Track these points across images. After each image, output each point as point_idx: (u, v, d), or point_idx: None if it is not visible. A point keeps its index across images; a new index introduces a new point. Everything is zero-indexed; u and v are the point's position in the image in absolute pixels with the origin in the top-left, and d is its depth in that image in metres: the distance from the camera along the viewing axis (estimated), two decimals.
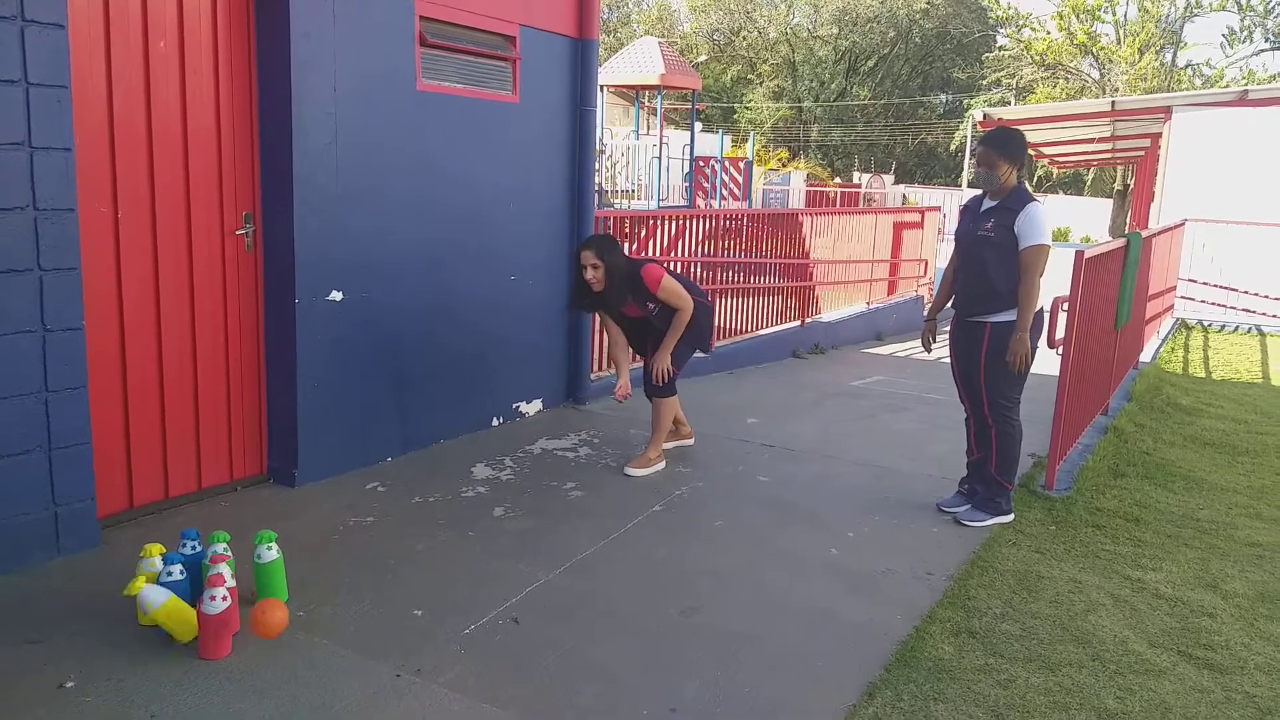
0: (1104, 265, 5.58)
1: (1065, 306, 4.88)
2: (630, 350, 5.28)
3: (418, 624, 3.26)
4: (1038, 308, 4.27)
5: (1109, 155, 24.92)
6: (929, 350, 4.83)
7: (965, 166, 20.51)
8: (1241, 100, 14.18)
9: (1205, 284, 13.46)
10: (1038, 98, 34.82)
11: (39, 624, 3.13)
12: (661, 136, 18.53)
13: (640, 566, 3.83)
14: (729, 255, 8.60)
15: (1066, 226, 30.28)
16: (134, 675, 2.85)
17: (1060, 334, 4.87)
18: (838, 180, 37.35)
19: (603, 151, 17.59)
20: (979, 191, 4.49)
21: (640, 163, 18.76)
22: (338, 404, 4.65)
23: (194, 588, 3.14)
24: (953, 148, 40.22)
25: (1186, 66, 35.82)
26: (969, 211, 4.48)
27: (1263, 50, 38.94)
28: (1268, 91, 14.22)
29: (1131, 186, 27.36)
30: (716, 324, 8.05)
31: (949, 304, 4.69)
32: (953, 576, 3.85)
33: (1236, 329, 12.71)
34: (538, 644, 3.16)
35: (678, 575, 3.76)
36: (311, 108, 4.31)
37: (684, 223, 7.90)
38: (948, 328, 4.76)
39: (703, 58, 42.32)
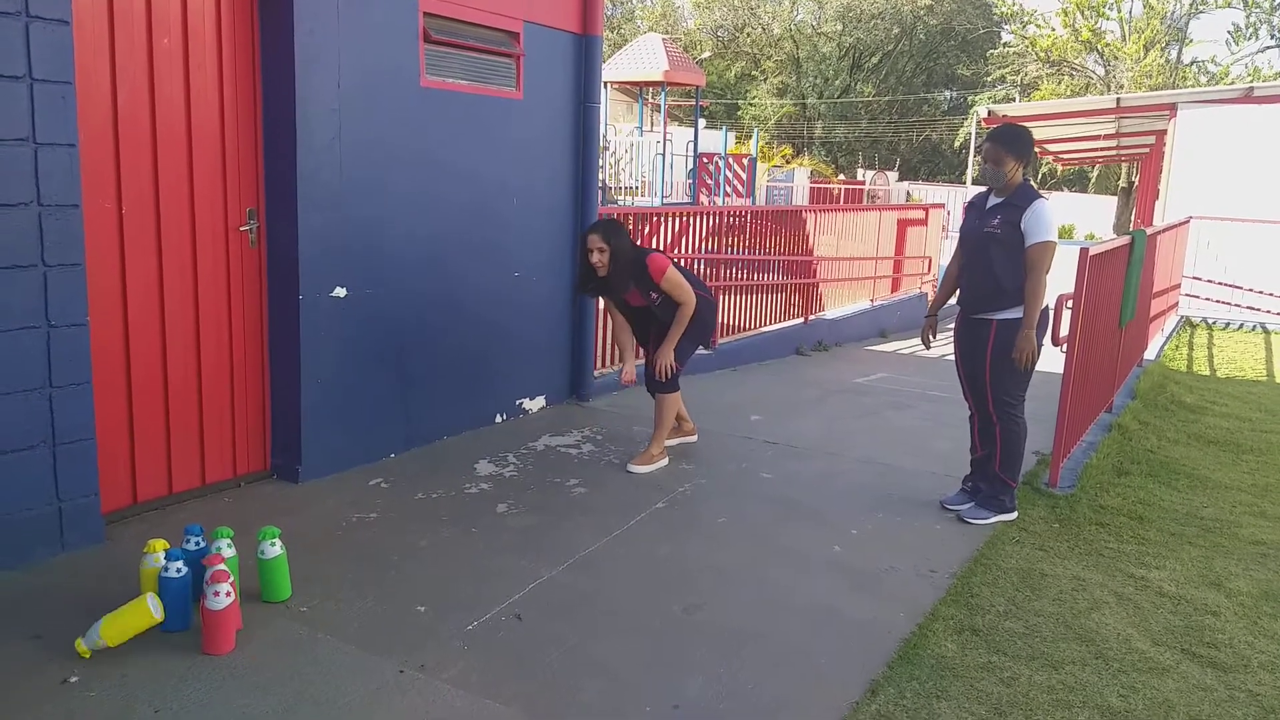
0: (1108, 263, 5.57)
1: (1070, 304, 4.87)
2: (635, 342, 5.26)
3: (421, 620, 3.26)
4: (1043, 305, 4.27)
5: (1114, 152, 24.85)
6: (929, 347, 4.83)
7: (969, 163, 20.49)
8: (1247, 97, 14.14)
9: (1210, 281, 13.42)
10: (1042, 94, 34.75)
11: (43, 619, 3.14)
12: (665, 133, 18.53)
13: (643, 563, 3.83)
14: (732, 252, 8.59)
15: (1071, 224, 30.22)
16: (137, 671, 2.85)
17: (1065, 331, 4.86)
18: (842, 177, 37.32)
19: (606, 148, 17.59)
20: (984, 188, 4.48)
21: (644, 159, 18.75)
22: (341, 400, 4.65)
23: (197, 584, 3.14)
24: (957, 144, 40.16)
25: (1192, 63, 35.74)
26: (974, 208, 4.47)
27: (1268, 47, 38.82)
28: (1273, 88, 14.17)
29: (1136, 184, 27.30)
30: (720, 321, 8.06)
31: (951, 300, 4.68)
32: (956, 574, 3.84)
33: (1241, 327, 12.68)
34: (541, 640, 3.16)
35: (680, 572, 3.76)
36: (315, 104, 4.31)
37: (688, 220, 7.89)
38: (950, 325, 4.76)
39: (706, 54, 42.27)
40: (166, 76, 3.90)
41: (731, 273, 8.55)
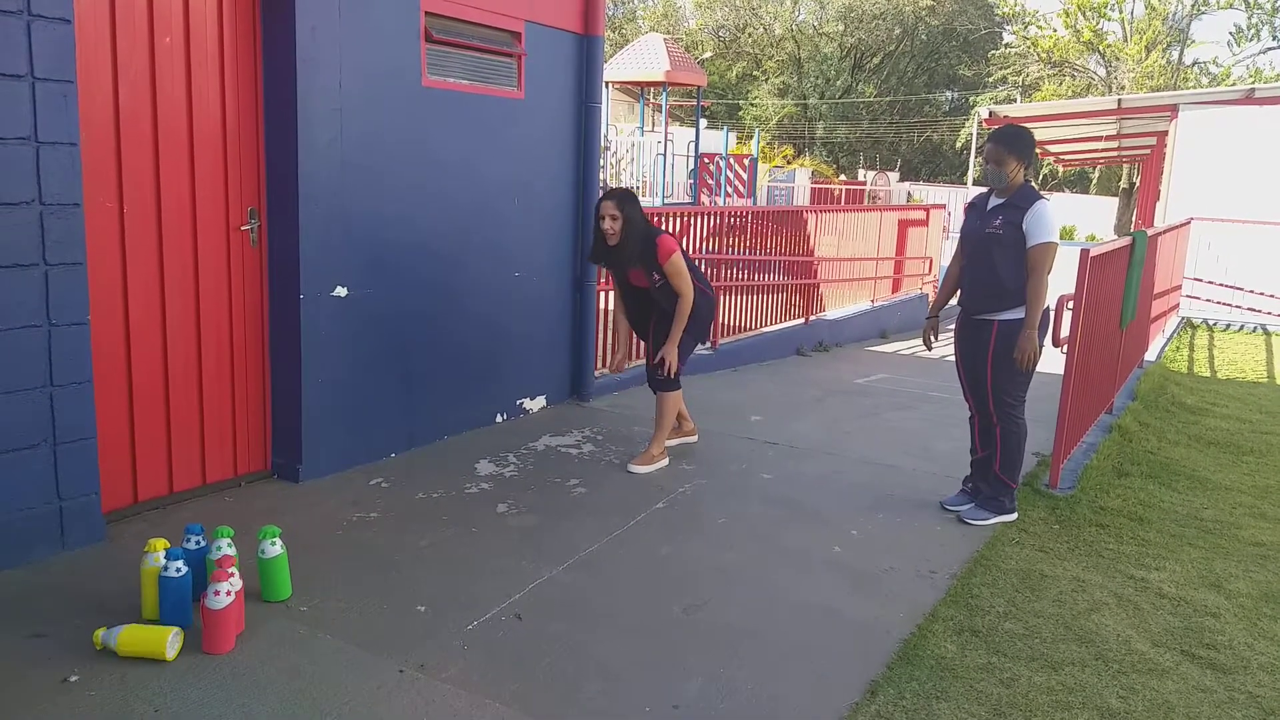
0: (1109, 264, 5.57)
1: (1070, 305, 4.87)
2: (630, 331, 5.26)
3: (421, 620, 3.26)
4: (1044, 306, 4.27)
5: (1115, 153, 24.85)
6: (930, 348, 4.82)
7: (970, 164, 20.49)
8: (1248, 98, 14.13)
9: (1211, 283, 13.42)
10: (1044, 95, 34.75)
11: (43, 618, 3.14)
12: (666, 133, 18.53)
13: (643, 563, 3.84)
14: (733, 252, 8.59)
15: (1072, 225, 30.22)
16: (138, 670, 2.85)
17: (1065, 332, 4.86)
18: (843, 178, 37.33)
19: (608, 148, 17.58)
20: (985, 189, 4.48)
21: (645, 159, 18.75)
22: (342, 400, 4.65)
23: (197, 583, 3.14)
24: (958, 145, 40.16)
25: (1193, 64, 35.75)
26: (975, 209, 4.47)
27: (1270, 48, 38.83)
28: (1275, 90, 14.17)
29: (1137, 185, 27.30)
30: (721, 321, 8.07)
31: (952, 301, 4.68)
32: (956, 575, 3.84)
33: (1242, 328, 12.68)
34: (541, 640, 3.16)
35: (681, 572, 3.76)
36: (317, 103, 4.31)
37: (689, 220, 7.89)
38: (951, 326, 4.76)
39: (708, 54, 42.28)
40: (168, 75, 3.90)
41: (732, 273, 8.55)
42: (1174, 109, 14.63)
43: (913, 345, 10.36)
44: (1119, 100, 16.26)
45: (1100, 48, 34.73)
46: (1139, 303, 6.92)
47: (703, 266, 7.92)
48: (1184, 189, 14.12)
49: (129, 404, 3.94)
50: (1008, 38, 39.74)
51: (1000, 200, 4.32)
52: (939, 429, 6.12)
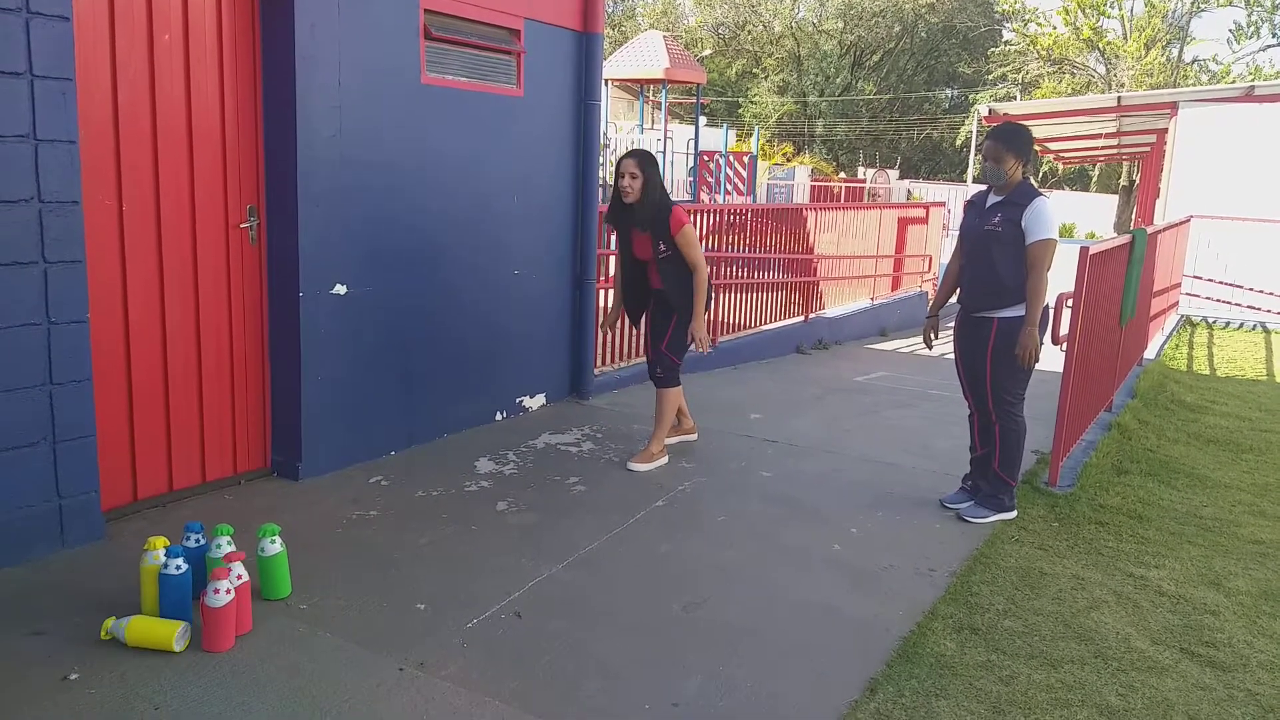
0: (1109, 261, 5.57)
1: (1070, 303, 4.87)
2: (622, 308, 5.26)
3: (421, 618, 3.26)
4: (1044, 303, 4.27)
5: (1115, 151, 24.85)
6: (930, 347, 4.82)
7: (970, 162, 20.48)
8: (1248, 96, 14.13)
9: (1210, 281, 13.43)
10: (1043, 93, 34.74)
11: (43, 616, 3.14)
12: (666, 131, 18.52)
13: (643, 561, 3.84)
14: (733, 250, 8.59)
15: (1072, 222, 30.21)
16: (137, 668, 2.86)
17: (1065, 330, 4.86)
18: (842, 175, 37.30)
19: (607, 146, 17.57)
20: (984, 187, 4.48)
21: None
22: (341, 398, 4.65)
23: (197, 581, 3.15)
24: (958, 143, 40.14)
25: (1193, 62, 35.74)
26: (974, 207, 4.48)
27: (1270, 46, 38.82)
28: (1274, 87, 14.15)
29: (1137, 182, 27.29)
30: (721, 319, 8.08)
31: (952, 300, 4.68)
32: (955, 573, 3.85)
33: (1241, 326, 12.68)
34: (540, 638, 3.16)
35: (680, 570, 3.77)
36: (316, 101, 4.31)
37: (688, 218, 7.89)
38: (950, 324, 4.76)
39: (707, 52, 42.25)
40: (167, 73, 3.90)
41: (732, 271, 8.55)
42: (1174, 106, 14.63)
43: (912, 343, 10.36)
44: (1119, 98, 16.26)
45: (1100, 45, 34.72)
46: (1138, 300, 6.93)
47: None
48: (1184, 186, 14.12)
49: (128, 402, 3.94)
50: (1007, 35, 39.74)
51: (999, 198, 4.32)
52: (938, 427, 6.12)
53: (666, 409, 5.07)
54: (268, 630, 3.12)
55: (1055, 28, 35.36)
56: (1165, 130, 16.04)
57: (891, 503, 4.64)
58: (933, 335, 4.80)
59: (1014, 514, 4.49)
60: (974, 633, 3.34)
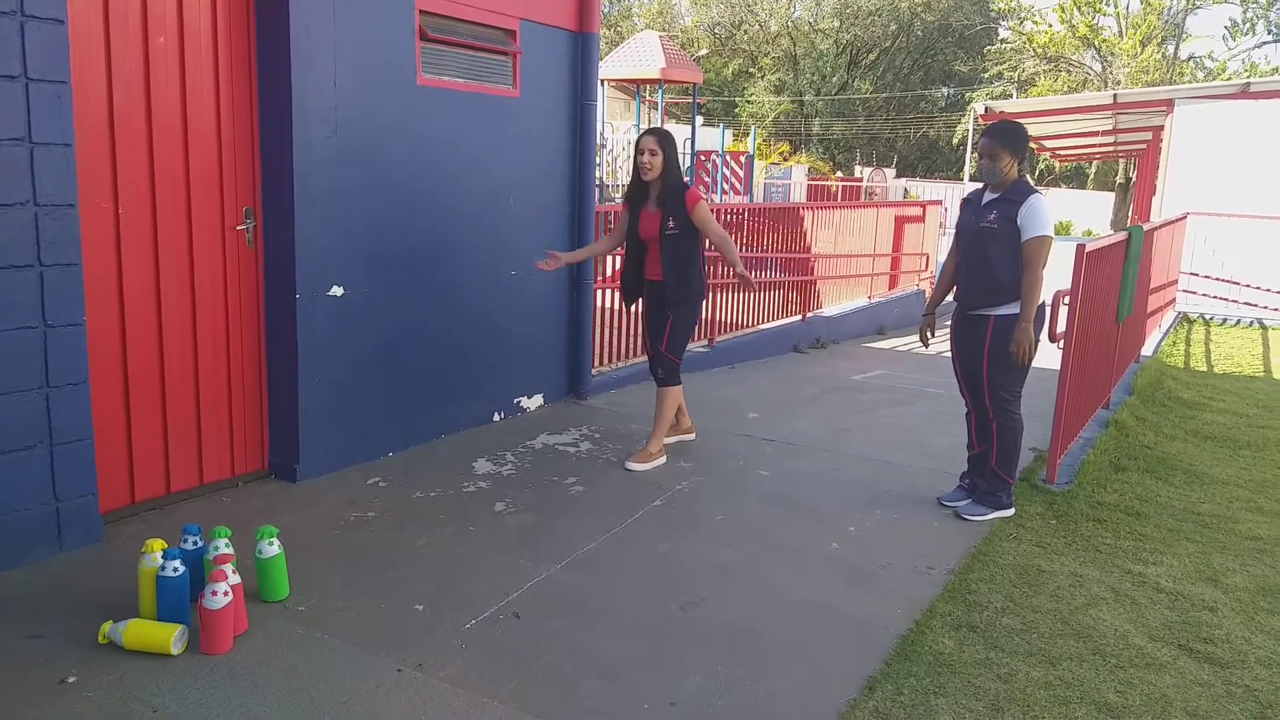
0: (1105, 259, 5.58)
1: (1066, 300, 4.87)
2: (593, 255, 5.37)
3: (419, 619, 3.26)
4: (1040, 301, 4.27)
5: (1111, 148, 24.88)
6: (927, 345, 4.83)
7: (967, 160, 20.49)
8: (1244, 93, 14.14)
9: (1207, 277, 13.44)
10: (1039, 90, 34.78)
11: (41, 619, 3.14)
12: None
13: (641, 561, 3.84)
14: None
15: (1068, 220, 30.24)
16: (136, 670, 2.85)
17: (1061, 328, 4.86)
18: (839, 174, 37.31)
19: (603, 146, 17.57)
20: (980, 185, 4.49)
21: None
22: (339, 399, 4.65)
23: (195, 582, 3.14)
24: (954, 141, 40.16)
25: (1189, 59, 35.78)
26: (970, 204, 4.48)
27: (1265, 43, 38.88)
28: (1270, 84, 14.17)
29: (1134, 180, 27.32)
30: (718, 318, 8.09)
31: (949, 298, 4.68)
32: (953, 571, 3.85)
33: (1238, 322, 12.70)
34: (539, 639, 3.16)
35: (678, 570, 3.77)
36: (311, 102, 4.31)
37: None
38: (947, 322, 4.76)
39: (704, 51, 42.26)
40: (162, 75, 3.90)
41: (729, 270, 8.54)
42: (1170, 104, 14.65)
43: (909, 341, 10.37)
44: (1115, 95, 16.28)
45: (1096, 43, 34.76)
46: (1135, 297, 6.93)
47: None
48: (1180, 184, 14.13)
49: (125, 404, 3.94)
50: (1003, 33, 39.78)
51: (995, 195, 4.33)
52: (936, 425, 6.13)
53: (667, 408, 5.07)
54: (266, 632, 3.12)
55: (1051, 25, 35.43)
56: (1161, 127, 16.05)
57: (889, 501, 4.64)
58: (929, 333, 4.81)
59: (1012, 511, 4.50)
60: (972, 630, 3.34)
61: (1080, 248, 4.83)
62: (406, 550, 3.83)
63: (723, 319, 8.25)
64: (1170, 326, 11.66)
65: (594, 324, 6.40)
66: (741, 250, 8.75)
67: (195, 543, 3.32)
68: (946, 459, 5.29)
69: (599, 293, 6.55)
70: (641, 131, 4.98)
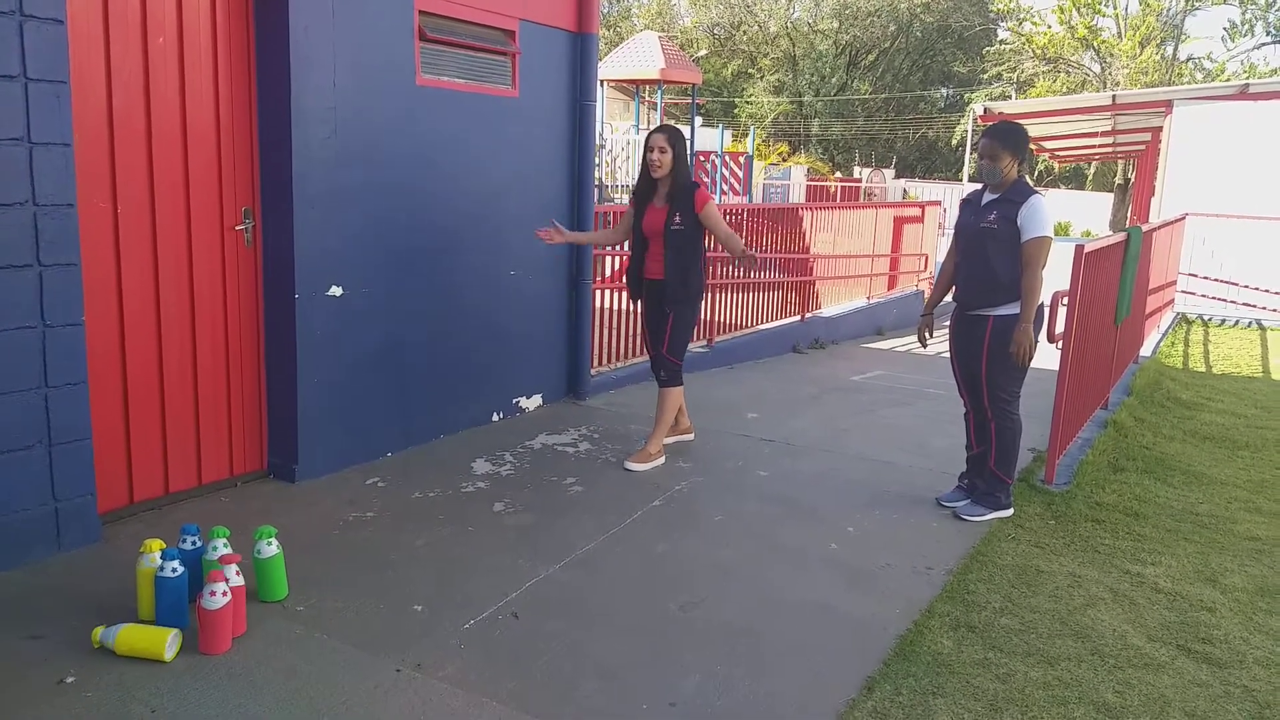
0: (1104, 259, 5.58)
1: (1065, 301, 4.88)
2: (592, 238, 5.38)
3: (418, 619, 3.26)
4: (1039, 301, 4.28)
5: (1110, 149, 24.89)
6: (925, 345, 4.83)
7: (966, 161, 20.50)
8: (1242, 94, 14.15)
9: (1206, 278, 13.45)
10: (1038, 91, 34.78)
11: (40, 619, 3.14)
12: None
13: (640, 561, 3.84)
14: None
15: (1067, 221, 30.26)
16: (134, 671, 2.85)
17: (1060, 328, 4.87)
18: (838, 175, 37.33)
19: (603, 146, 17.56)
20: (980, 185, 4.49)
21: (640, 157, 18.70)
22: (338, 399, 4.65)
23: (194, 583, 3.14)
24: (953, 142, 40.18)
25: (1188, 60, 35.80)
26: (970, 205, 4.48)
27: (1264, 44, 38.93)
28: (1269, 85, 14.18)
29: (1133, 181, 27.33)
30: (717, 319, 8.08)
31: (947, 298, 4.69)
32: (952, 571, 3.85)
33: (1237, 323, 12.70)
34: (537, 639, 3.16)
35: (677, 570, 3.77)
36: (311, 102, 4.31)
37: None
38: (946, 323, 4.76)
39: (703, 52, 42.25)
40: (161, 75, 3.90)
41: (728, 270, 8.55)
42: (1168, 105, 14.66)
43: (909, 342, 10.37)
44: (1114, 96, 16.28)
45: (1095, 44, 34.77)
46: (1134, 298, 6.94)
47: None
48: (1179, 184, 14.14)
49: (124, 405, 3.94)
50: (1002, 34, 39.76)
51: (995, 195, 4.33)
52: (935, 425, 6.13)
53: (668, 409, 5.07)
54: (265, 632, 3.12)
55: (1050, 26, 35.43)
56: (1160, 128, 16.06)
57: (888, 501, 4.64)
58: (928, 334, 4.81)
59: (1010, 512, 4.50)
60: (971, 631, 3.34)
61: (1079, 248, 4.83)
62: (405, 550, 3.83)
63: (722, 320, 8.25)
64: (1169, 327, 11.67)
65: (593, 324, 6.40)
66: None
67: (194, 543, 3.32)
68: (945, 459, 5.29)
69: (598, 293, 6.55)
70: (651, 129, 4.98)
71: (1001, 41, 39.79)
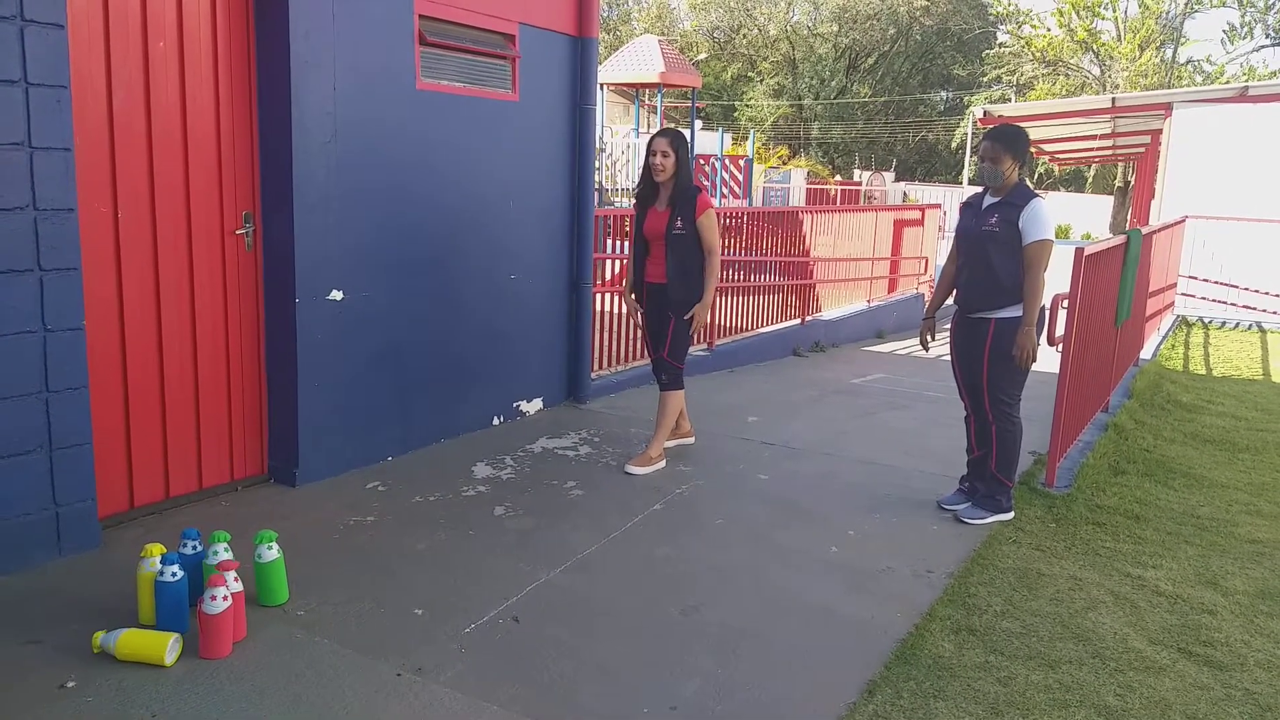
0: (1104, 262, 5.58)
1: (1065, 304, 4.88)
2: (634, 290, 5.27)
3: (418, 623, 3.26)
4: (1040, 304, 4.28)
5: (1110, 152, 24.90)
6: (927, 349, 4.83)
7: (966, 164, 20.50)
8: (1242, 96, 14.16)
9: (1206, 281, 13.45)
10: (1038, 94, 34.81)
11: (40, 624, 3.13)
12: None
13: (641, 565, 3.84)
14: (729, 253, 8.59)
15: (1068, 224, 30.26)
16: (134, 676, 2.85)
17: (1060, 331, 4.87)
18: (838, 178, 37.34)
19: (603, 150, 17.57)
20: (980, 188, 4.50)
21: (640, 161, 18.70)
22: (338, 403, 4.65)
23: (194, 587, 3.14)
24: (953, 145, 40.21)
25: (1187, 63, 35.81)
26: (970, 208, 4.49)
27: (1263, 46, 38.95)
28: (1268, 88, 14.19)
29: (1132, 183, 27.35)
30: (718, 322, 8.08)
31: (948, 301, 4.69)
32: (953, 574, 3.85)
33: (1237, 326, 12.70)
34: (538, 643, 3.16)
35: (678, 573, 3.77)
36: (311, 107, 4.31)
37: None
38: (947, 326, 4.76)
39: (703, 55, 42.28)
40: (162, 80, 3.90)
41: (728, 274, 8.56)
42: (1168, 107, 14.67)
43: (909, 345, 10.37)
44: (1113, 99, 16.29)
45: (1094, 47, 34.80)
46: (1134, 301, 6.94)
47: None
48: (1178, 187, 14.15)
49: (125, 409, 3.94)
50: (1002, 37, 39.79)
51: (996, 199, 4.34)
52: (935, 428, 6.13)
53: (669, 413, 5.07)
54: (265, 637, 3.12)
55: (1049, 29, 35.45)
56: (1160, 131, 16.07)
57: (889, 505, 4.64)
58: (930, 337, 4.81)
59: (1011, 515, 4.50)
60: (972, 634, 3.34)
61: (1079, 251, 4.84)
62: (406, 554, 3.83)
63: (722, 323, 8.25)
64: (1169, 330, 11.67)
65: (593, 328, 6.40)
66: (741, 253, 8.76)
67: (194, 547, 3.31)
68: (946, 462, 5.28)
69: (598, 296, 6.55)
70: (654, 132, 4.99)
71: (1001, 44, 39.82)
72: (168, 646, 2.91)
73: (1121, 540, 4.32)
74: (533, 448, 5.31)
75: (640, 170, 5.12)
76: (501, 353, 5.67)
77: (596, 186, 8.37)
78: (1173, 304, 12.75)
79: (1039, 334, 4.33)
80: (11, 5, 3.25)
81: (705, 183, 18.99)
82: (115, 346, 3.88)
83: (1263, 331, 12.27)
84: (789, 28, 44.44)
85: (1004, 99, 36.95)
